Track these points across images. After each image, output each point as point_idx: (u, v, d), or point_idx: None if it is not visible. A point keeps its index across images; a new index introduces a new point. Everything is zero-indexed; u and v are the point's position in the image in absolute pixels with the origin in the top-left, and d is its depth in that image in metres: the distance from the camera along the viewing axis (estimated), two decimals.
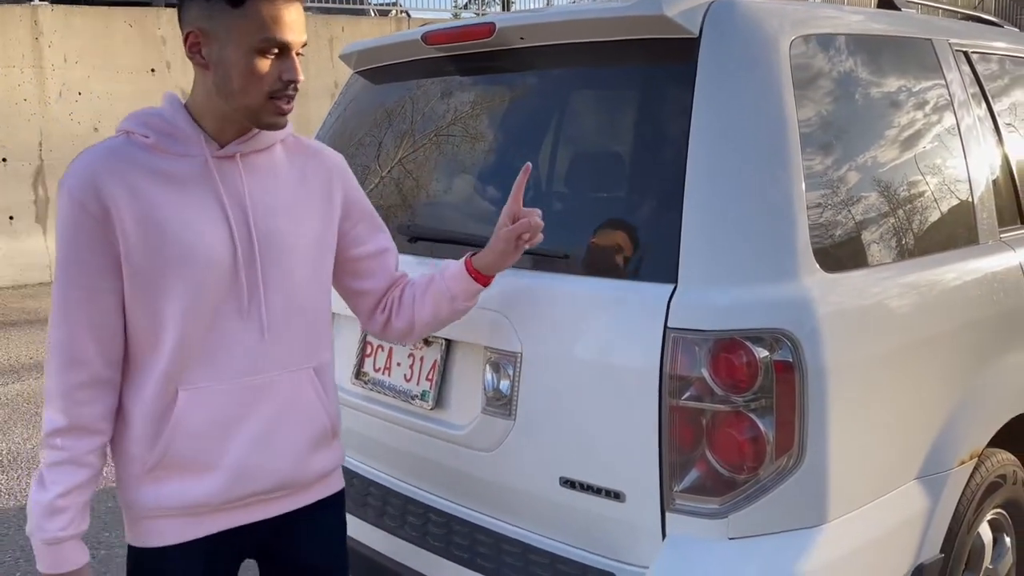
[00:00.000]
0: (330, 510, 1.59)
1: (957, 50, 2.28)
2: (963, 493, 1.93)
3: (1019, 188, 2.33)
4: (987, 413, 1.99)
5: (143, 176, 1.34)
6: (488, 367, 1.83)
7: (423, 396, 1.99)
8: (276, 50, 1.34)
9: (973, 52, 2.36)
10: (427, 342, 2.00)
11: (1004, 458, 2.10)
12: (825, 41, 1.85)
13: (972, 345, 1.96)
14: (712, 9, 1.75)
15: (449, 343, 1.95)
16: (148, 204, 1.33)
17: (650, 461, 1.60)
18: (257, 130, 1.43)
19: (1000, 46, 2.53)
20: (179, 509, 1.40)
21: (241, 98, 1.35)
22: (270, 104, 1.36)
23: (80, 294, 1.33)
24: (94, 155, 1.34)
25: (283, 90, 1.36)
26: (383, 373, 2.11)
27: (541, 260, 1.79)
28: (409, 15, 12.43)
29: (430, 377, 1.99)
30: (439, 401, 1.96)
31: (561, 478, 1.72)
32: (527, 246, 1.65)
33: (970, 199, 2.10)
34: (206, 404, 1.38)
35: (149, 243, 1.33)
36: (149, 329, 1.36)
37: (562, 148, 1.89)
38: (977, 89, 2.30)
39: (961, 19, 2.80)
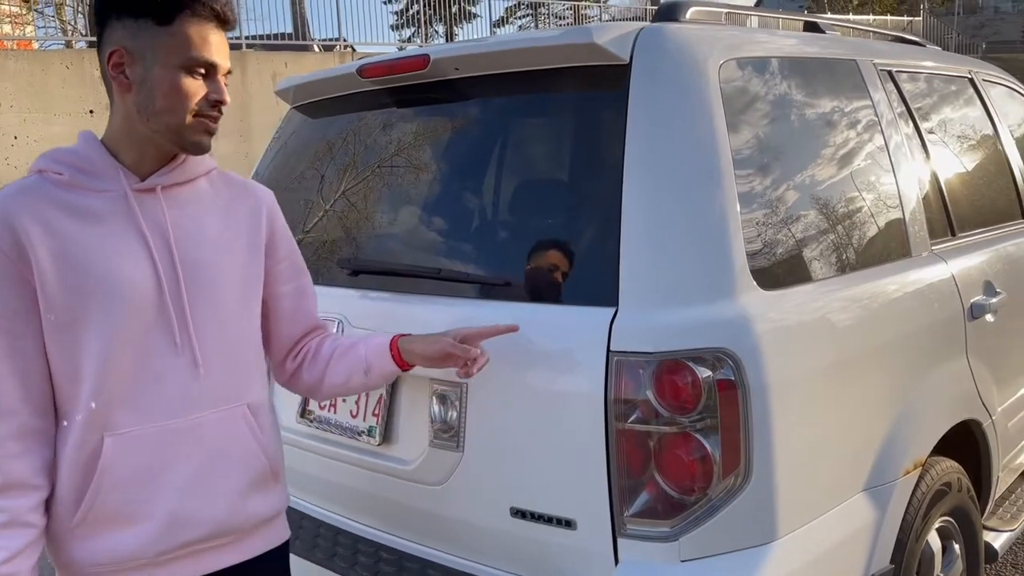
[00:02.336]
0: (276, 563, 1.53)
1: (882, 69, 2.35)
2: (910, 503, 1.95)
3: (947, 201, 2.40)
4: (928, 422, 2.03)
5: (59, 213, 1.30)
6: (434, 399, 1.81)
7: (370, 432, 1.96)
8: (203, 70, 1.33)
9: (898, 71, 2.43)
10: None
11: (948, 466, 2.13)
12: (753, 64, 1.89)
13: (910, 356, 2.00)
14: (641, 36, 1.78)
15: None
16: (65, 240, 1.29)
17: (599, 487, 1.59)
18: (179, 161, 1.40)
19: (923, 65, 2.62)
20: (113, 564, 1.34)
21: (166, 117, 1.32)
22: (196, 122, 1.34)
23: (0, 339, 1.28)
24: (5, 194, 1.30)
25: (209, 111, 1.35)
26: (329, 410, 2.08)
27: (483, 288, 1.78)
28: (354, 49, 12.44)
29: (376, 412, 1.96)
30: (386, 436, 1.93)
31: (512, 508, 1.70)
32: (457, 371, 1.62)
33: (901, 213, 2.15)
34: (134, 450, 1.33)
35: (67, 280, 1.29)
36: (70, 372, 1.31)
37: (500, 176, 1.89)
38: (903, 106, 2.37)
39: (885, 40, 2.89)
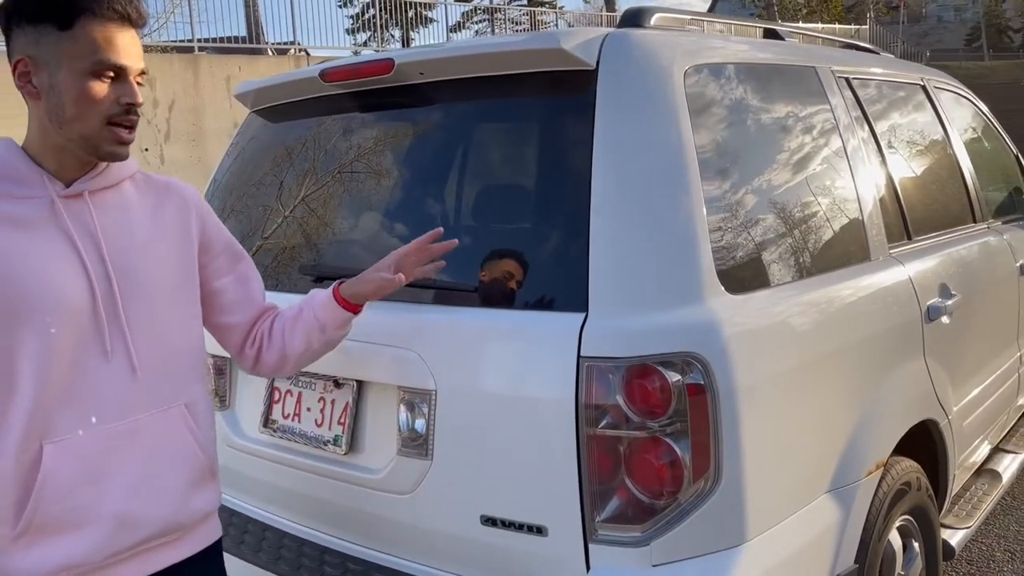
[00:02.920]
0: (214, 560, 1.54)
1: (839, 76, 2.39)
2: (872, 502, 1.98)
3: (903, 205, 2.45)
4: (889, 423, 2.06)
5: None
6: (402, 407, 1.79)
7: (336, 441, 1.93)
8: (111, 74, 1.29)
9: (854, 78, 2.47)
10: (337, 384, 1.95)
11: (908, 466, 2.17)
12: (717, 70, 1.90)
13: (872, 357, 2.03)
14: (607, 41, 1.78)
15: (360, 384, 1.90)
16: None
17: (570, 493, 1.59)
18: (103, 166, 1.38)
19: (877, 71, 2.67)
20: (61, 571, 1.31)
21: (77, 125, 1.29)
22: (107, 131, 1.30)
23: None
24: None
25: (122, 115, 1.31)
26: (293, 420, 2.04)
27: (452, 295, 1.77)
28: (308, 53, 12.32)
29: (342, 421, 1.93)
30: (352, 445, 1.91)
31: (482, 516, 1.69)
32: (419, 274, 1.66)
33: (860, 217, 2.19)
34: (75, 455, 1.30)
35: None
36: (4, 383, 1.27)
37: (468, 182, 1.88)
38: (859, 112, 2.41)
39: (840, 47, 2.95)
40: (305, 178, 2.19)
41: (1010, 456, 3.18)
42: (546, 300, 1.65)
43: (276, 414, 2.08)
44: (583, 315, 1.59)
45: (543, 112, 1.81)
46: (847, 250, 2.10)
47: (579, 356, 1.57)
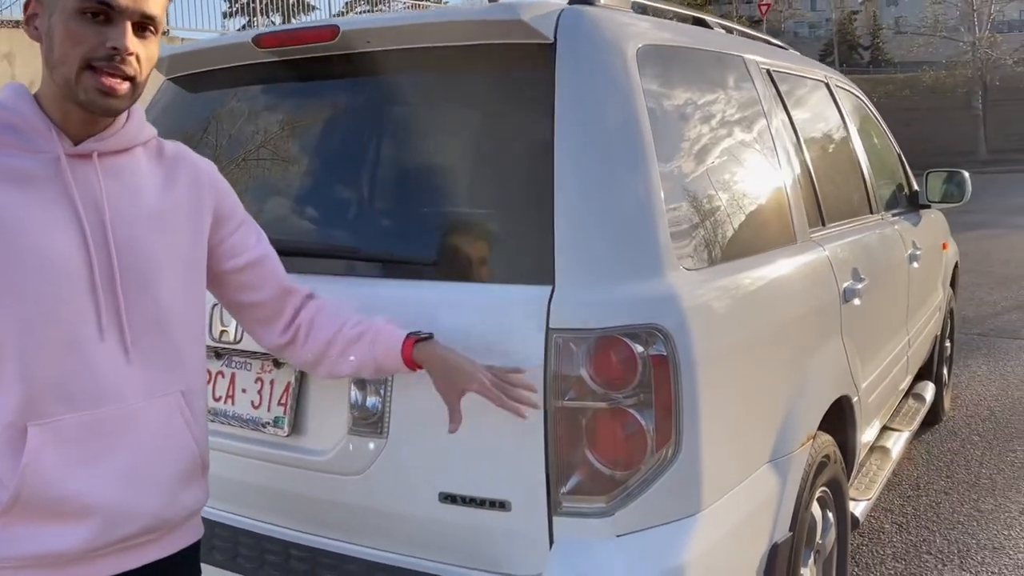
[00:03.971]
0: (193, 561, 1.43)
1: (762, 67, 2.49)
2: (803, 474, 2.07)
3: (819, 193, 2.57)
4: (817, 397, 2.16)
5: None
6: (353, 385, 1.73)
7: (276, 422, 1.84)
8: (101, 16, 1.17)
9: (773, 70, 2.58)
10: (277, 364, 1.86)
11: (826, 439, 2.28)
12: (665, 51, 1.94)
13: (805, 334, 2.12)
14: (564, 16, 1.78)
15: None
16: None
17: (536, 466, 1.57)
18: (119, 126, 1.26)
19: (790, 66, 2.79)
20: (35, 559, 1.18)
21: (62, 69, 1.17)
22: (87, 77, 1.17)
23: None
24: None
25: (104, 60, 1.17)
26: (225, 402, 1.93)
27: (414, 268, 1.72)
28: (168, 32, 11.75)
29: (283, 401, 1.84)
30: (296, 426, 1.82)
31: (441, 493, 1.65)
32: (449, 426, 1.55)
33: (787, 201, 2.28)
34: (62, 438, 1.18)
35: None
36: None
37: (423, 156, 1.83)
38: (780, 103, 2.51)
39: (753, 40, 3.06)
40: (234, 150, 2.07)
41: (896, 434, 3.41)
42: (510, 273, 1.63)
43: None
44: (550, 287, 1.58)
45: (498, 84, 1.79)
46: (779, 232, 2.18)
47: (548, 328, 1.56)
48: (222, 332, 1.88)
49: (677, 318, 1.63)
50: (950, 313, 4.57)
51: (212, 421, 1.93)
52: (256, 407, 1.88)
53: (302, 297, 1.55)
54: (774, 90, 2.51)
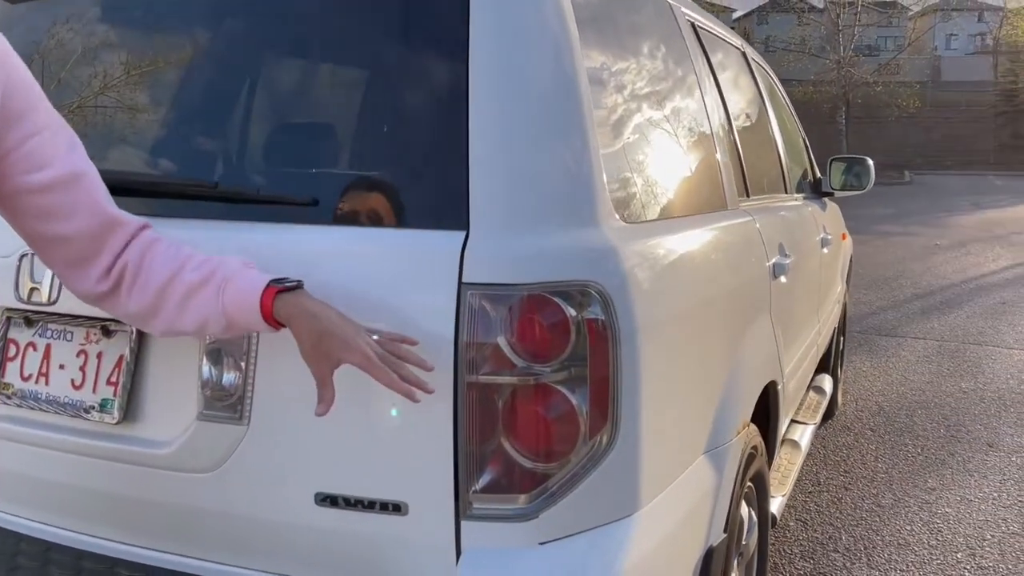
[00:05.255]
0: None
1: (687, 19, 2.24)
2: (737, 466, 1.82)
3: (743, 162, 2.35)
4: (752, 380, 1.93)
5: None
6: (206, 358, 1.35)
7: (104, 407, 1.43)
8: None
9: (699, 26, 2.34)
10: (107, 332, 1.45)
11: (753, 429, 2.05)
12: None
13: (741, 307, 1.88)
14: None
15: (143, 332, 1.42)
16: None
17: (441, 456, 1.24)
18: None
19: (711, 24, 2.57)
20: None
21: None
22: None
23: None
24: None
25: None
26: (36, 382, 1.50)
27: (290, 209, 1.35)
28: None
29: (113, 380, 1.44)
30: (129, 411, 1.42)
31: (317, 494, 1.30)
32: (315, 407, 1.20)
33: (719, 163, 2.04)
34: None
35: None
36: None
37: (306, 79, 1.47)
38: (706, 61, 2.28)
39: None
40: (89, 74, 1.65)
41: (803, 427, 3.26)
42: (413, 216, 1.30)
43: (11, 375, 1.53)
44: (463, 233, 1.25)
45: (405, 22, 1.44)
46: (712, 195, 1.93)
47: (460, 283, 1.23)
48: (32, 290, 1.45)
49: (617, 276, 1.33)
50: (844, 307, 4.53)
51: (19, 407, 1.50)
52: (78, 387, 1.46)
53: (132, 231, 1.17)
54: (700, 46, 2.27)
